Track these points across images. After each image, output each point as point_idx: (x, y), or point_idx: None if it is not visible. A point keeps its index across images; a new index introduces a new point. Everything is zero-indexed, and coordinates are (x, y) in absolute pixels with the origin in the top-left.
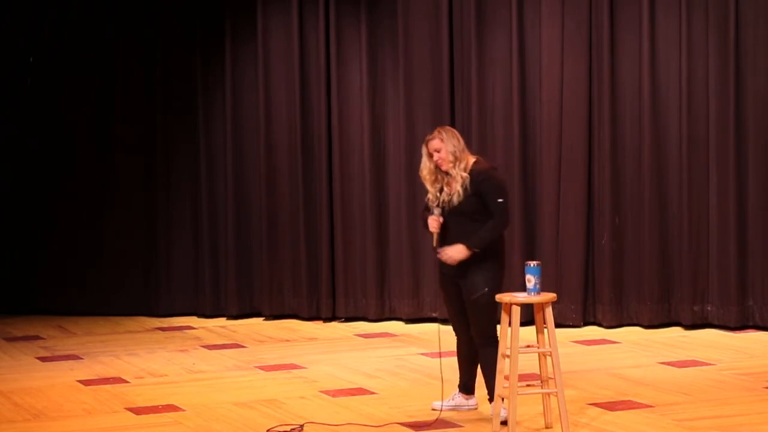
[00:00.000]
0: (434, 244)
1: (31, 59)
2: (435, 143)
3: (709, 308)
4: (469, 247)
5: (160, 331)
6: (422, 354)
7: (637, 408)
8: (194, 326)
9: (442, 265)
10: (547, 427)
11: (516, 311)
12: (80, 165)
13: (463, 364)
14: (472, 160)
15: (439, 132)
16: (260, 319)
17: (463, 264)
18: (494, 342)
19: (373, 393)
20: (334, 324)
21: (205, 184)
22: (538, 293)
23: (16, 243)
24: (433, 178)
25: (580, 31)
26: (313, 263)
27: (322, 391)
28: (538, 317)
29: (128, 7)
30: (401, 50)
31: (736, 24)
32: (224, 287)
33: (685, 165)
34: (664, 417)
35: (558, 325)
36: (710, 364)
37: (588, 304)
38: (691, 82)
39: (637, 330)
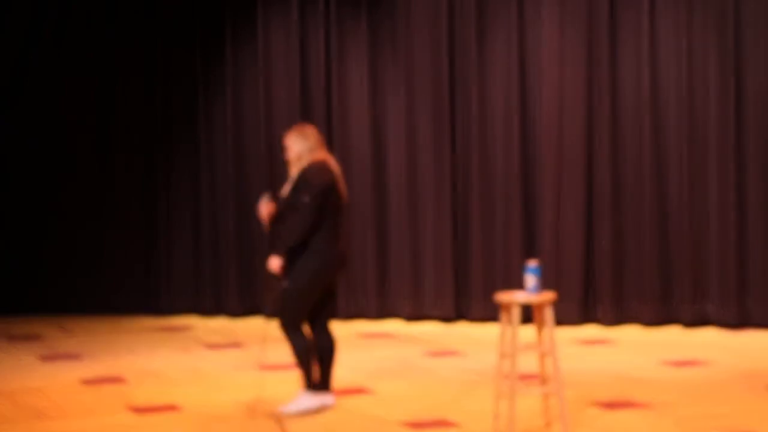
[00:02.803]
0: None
1: (31, 59)
2: (285, 141)
3: (709, 307)
4: (278, 254)
5: (161, 331)
6: (422, 354)
7: (637, 408)
8: (195, 325)
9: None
10: (547, 427)
11: (516, 311)
12: (80, 165)
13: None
14: (318, 158)
15: (291, 132)
16: (261, 319)
17: (289, 258)
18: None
19: (373, 393)
20: (334, 324)
21: (205, 184)
22: (538, 293)
23: (16, 243)
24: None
25: (579, 32)
26: None
27: None
28: (538, 317)
29: (128, 7)
30: (401, 51)
31: (736, 24)
32: (225, 286)
33: (685, 165)
34: (664, 417)
35: (558, 325)
36: (710, 364)
37: (588, 303)
38: (691, 82)
39: (637, 329)
